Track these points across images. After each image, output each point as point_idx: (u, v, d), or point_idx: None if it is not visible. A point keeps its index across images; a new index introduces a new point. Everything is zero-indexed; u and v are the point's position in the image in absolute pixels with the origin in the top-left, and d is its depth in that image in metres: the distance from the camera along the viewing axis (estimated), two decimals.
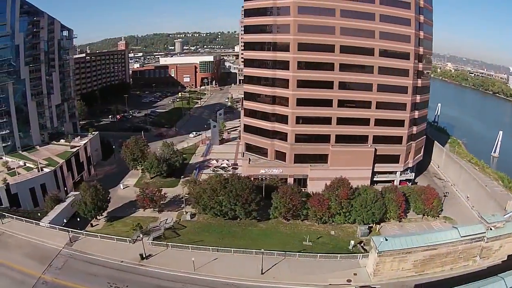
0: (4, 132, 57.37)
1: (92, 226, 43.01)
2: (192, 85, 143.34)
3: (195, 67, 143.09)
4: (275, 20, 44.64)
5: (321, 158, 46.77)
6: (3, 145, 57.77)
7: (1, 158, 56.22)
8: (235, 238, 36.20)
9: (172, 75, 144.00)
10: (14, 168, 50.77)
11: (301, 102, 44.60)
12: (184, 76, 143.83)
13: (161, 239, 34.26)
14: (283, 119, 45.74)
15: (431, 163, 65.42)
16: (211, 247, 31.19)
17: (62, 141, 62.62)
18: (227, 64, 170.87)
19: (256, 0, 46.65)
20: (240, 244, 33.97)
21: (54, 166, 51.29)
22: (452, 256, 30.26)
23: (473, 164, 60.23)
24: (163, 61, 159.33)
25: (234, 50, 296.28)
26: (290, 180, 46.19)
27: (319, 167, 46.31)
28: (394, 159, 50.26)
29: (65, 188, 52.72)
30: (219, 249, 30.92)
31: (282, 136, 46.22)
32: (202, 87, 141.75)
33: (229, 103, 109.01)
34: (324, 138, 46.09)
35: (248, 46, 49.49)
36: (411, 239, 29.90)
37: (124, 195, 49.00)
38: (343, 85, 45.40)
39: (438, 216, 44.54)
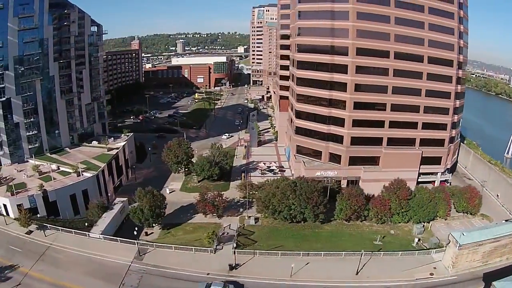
0: (31, 133, 54.30)
1: (147, 235, 40.16)
2: (206, 85, 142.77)
3: (209, 68, 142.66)
4: (333, 24, 45.33)
5: (372, 160, 47.84)
6: (30, 147, 54.62)
7: (27, 161, 53.14)
8: (309, 241, 36.36)
9: (186, 76, 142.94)
10: (46, 173, 47.61)
11: (358, 105, 45.50)
12: (198, 76, 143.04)
13: (241, 246, 32.49)
14: (338, 122, 46.45)
15: (458, 164, 68.21)
16: (301, 252, 30.73)
17: (94, 142, 59.60)
18: (240, 65, 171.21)
19: (312, 2, 47.17)
20: (318, 247, 34.31)
21: (94, 170, 48.42)
22: (509, 247, 33.23)
23: (492, 164, 63.41)
24: (175, 61, 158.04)
25: (237, 51, 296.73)
26: (343, 182, 47.31)
27: (371, 169, 47.29)
28: (437, 161, 52.16)
29: (107, 194, 49.83)
30: (310, 253, 30.69)
31: (337, 139, 46.91)
32: (216, 88, 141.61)
33: (249, 104, 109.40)
34: (377, 141, 47.21)
35: (302, 48, 49.46)
36: (481, 233, 32.61)
37: (172, 200, 47.18)
38: (396, 90, 46.81)
39: (477, 214, 46.94)
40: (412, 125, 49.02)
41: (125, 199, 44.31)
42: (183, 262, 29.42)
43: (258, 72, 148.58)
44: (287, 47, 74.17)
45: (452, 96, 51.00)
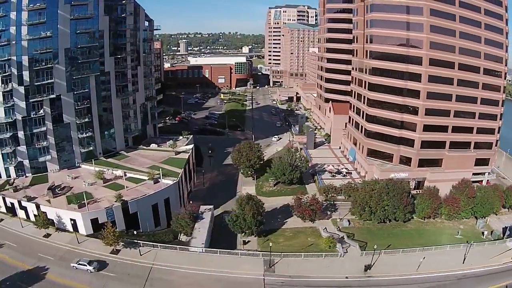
0: (84, 135, 49.67)
1: (245, 243, 38.06)
2: (227, 86, 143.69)
3: (230, 68, 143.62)
4: (408, 34, 48.28)
5: (436, 162, 52.40)
6: (82, 150, 50.03)
7: (79, 167, 48.67)
8: (405, 238, 39.56)
9: (206, 76, 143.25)
10: (111, 180, 43.74)
11: (428, 112, 49.57)
12: (219, 77, 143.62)
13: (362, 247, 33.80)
14: (410, 126, 50.36)
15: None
16: (417, 248, 34.07)
17: (153, 145, 56.14)
18: (258, 65, 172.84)
19: (385, 12, 49.62)
20: (415, 243, 37.61)
21: (172, 176, 43.61)
22: None
23: None
24: (194, 61, 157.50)
25: (242, 51, 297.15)
26: (412, 183, 51.41)
27: (436, 170, 51.87)
28: (485, 162, 57.76)
29: (183, 202, 46.04)
30: (424, 248, 34.18)
31: (409, 142, 50.71)
32: (237, 88, 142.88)
33: (278, 105, 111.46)
34: (441, 144, 51.76)
35: (374, 55, 52.15)
36: None
37: None
38: (459, 98, 51.23)
39: None
40: (469, 130, 53.96)
41: (211, 206, 42.89)
42: (317, 269, 29.32)
43: (278, 72, 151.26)
44: (335, 51, 77.76)
45: (500, 103, 56.63)
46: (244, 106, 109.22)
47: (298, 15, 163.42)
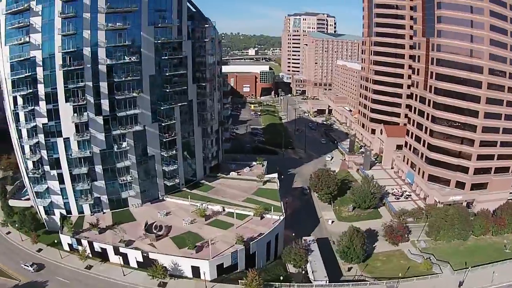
0: (171, 168, 48.16)
1: (349, 270, 42.37)
2: (252, 94, 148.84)
3: (255, 77, 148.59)
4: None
5: (483, 185, 61.27)
6: (167, 183, 48.53)
7: (163, 200, 47.88)
8: (471, 255, 47.56)
9: (231, 84, 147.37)
10: (210, 216, 43.18)
11: (482, 143, 57.72)
12: (244, 85, 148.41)
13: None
14: (466, 156, 58.71)
15: None
16: (489, 263, 42.81)
17: (233, 173, 56.48)
18: (280, 74, 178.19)
19: (453, 24, 53.81)
20: (480, 258, 45.71)
21: (274, 210, 43.26)
22: None
23: None
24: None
25: (248, 53, 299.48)
26: (463, 203, 60.70)
27: (483, 192, 61.07)
28: None
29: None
30: (493, 264, 42.78)
31: (464, 170, 59.22)
32: (262, 97, 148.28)
33: (311, 117, 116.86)
34: (489, 170, 60.54)
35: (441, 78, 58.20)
36: None
37: (336, 231, 50.29)
38: (505, 131, 58.99)
39: None
40: (511, 157, 63.68)
41: (314, 238, 45.71)
42: None
43: (301, 82, 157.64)
44: (384, 73, 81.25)
45: None
46: (280, 118, 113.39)
47: (318, 24, 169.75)
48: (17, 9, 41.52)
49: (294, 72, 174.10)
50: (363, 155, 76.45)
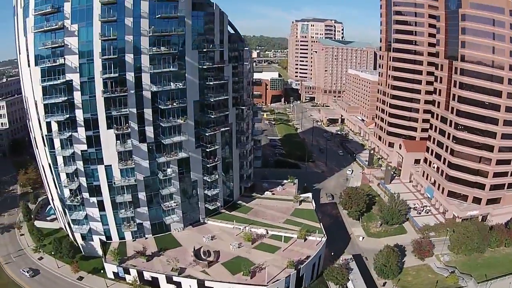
0: (214, 192, 49.13)
1: (383, 285, 46.65)
2: (262, 102, 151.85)
3: (266, 84, 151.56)
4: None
5: (496, 200, 66.70)
6: (209, 207, 49.34)
7: (205, 223, 48.75)
8: (489, 266, 52.53)
9: None
10: (257, 240, 43.40)
11: (499, 162, 63.08)
12: (254, 92, 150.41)
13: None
14: (484, 174, 64.05)
15: None
16: (506, 274, 48.03)
17: (268, 193, 57.76)
18: (289, 80, 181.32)
19: (477, 37, 57.33)
20: (498, 269, 50.74)
21: (314, 231, 45.71)
22: None
23: None
24: None
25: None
26: (480, 218, 66.23)
27: (497, 206, 66.71)
28: None
29: None
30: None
31: (481, 186, 64.67)
32: (272, 105, 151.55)
33: (324, 127, 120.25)
34: (503, 186, 66.11)
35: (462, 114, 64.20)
36: None
37: (369, 248, 54.25)
38: None
39: None
40: None
41: (350, 256, 49.00)
42: None
43: (310, 88, 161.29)
44: (402, 89, 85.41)
45: None
46: (295, 129, 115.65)
47: (326, 30, 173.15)
48: (48, 28, 39.56)
49: (302, 78, 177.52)
50: (382, 168, 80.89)
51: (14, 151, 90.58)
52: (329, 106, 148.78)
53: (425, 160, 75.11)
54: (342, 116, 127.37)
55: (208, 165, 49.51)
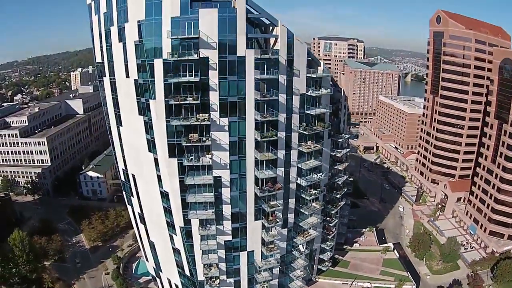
0: (328, 255, 56.70)
1: None
2: None
3: None
4: None
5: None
6: (322, 268, 57.69)
7: (316, 281, 56.12)
8: None
9: None
10: None
11: None
12: None
13: None
14: None
15: None
16: None
17: (356, 245, 67.74)
18: None
19: None
20: None
21: (405, 280, 55.47)
22: None
23: None
24: None
25: None
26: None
27: None
28: None
29: None
30: None
31: None
32: None
33: (361, 155, 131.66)
34: None
35: None
36: None
37: (434, 283, 66.95)
38: None
39: None
40: None
41: None
42: None
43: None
44: (445, 123, 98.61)
45: None
46: None
47: (348, 49, 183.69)
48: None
49: None
50: (427, 203, 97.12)
51: (59, 191, 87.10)
52: (358, 129, 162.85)
53: (470, 202, 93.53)
54: (377, 143, 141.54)
55: (328, 236, 58.91)
